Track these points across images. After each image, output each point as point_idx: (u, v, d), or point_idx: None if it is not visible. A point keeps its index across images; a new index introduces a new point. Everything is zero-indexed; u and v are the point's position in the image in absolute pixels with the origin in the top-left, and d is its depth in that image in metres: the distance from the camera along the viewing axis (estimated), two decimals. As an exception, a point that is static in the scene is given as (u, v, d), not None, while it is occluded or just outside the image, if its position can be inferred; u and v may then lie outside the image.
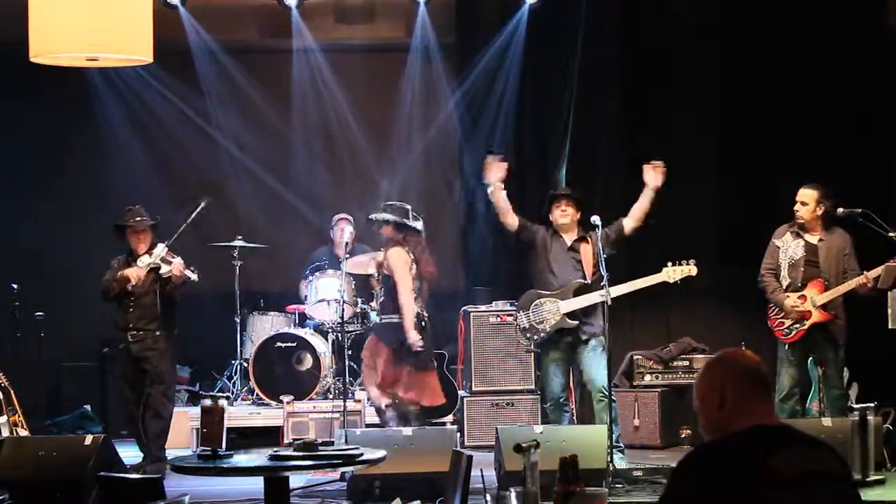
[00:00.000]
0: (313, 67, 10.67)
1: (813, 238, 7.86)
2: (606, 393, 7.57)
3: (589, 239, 7.82)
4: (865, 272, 7.68)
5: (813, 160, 9.09)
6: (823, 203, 7.78)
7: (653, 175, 7.81)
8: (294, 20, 10.39)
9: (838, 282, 7.78)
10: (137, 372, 7.93)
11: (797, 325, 7.79)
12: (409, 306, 7.73)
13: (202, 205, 8.10)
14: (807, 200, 7.81)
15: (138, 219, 7.98)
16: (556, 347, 7.82)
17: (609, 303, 7.44)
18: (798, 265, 7.84)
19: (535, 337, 7.83)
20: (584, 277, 7.76)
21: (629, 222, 7.83)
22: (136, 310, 7.92)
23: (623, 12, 10.01)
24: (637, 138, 9.90)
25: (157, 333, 7.92)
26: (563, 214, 7.83)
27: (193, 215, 8.04)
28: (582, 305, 7.68)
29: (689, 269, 7.67)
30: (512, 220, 7.94)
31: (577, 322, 7.69)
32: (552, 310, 7.75)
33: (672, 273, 7.68)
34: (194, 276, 7.97)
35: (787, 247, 7.90)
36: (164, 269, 7.92)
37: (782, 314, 7.84)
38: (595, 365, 7.63)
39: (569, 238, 7.85)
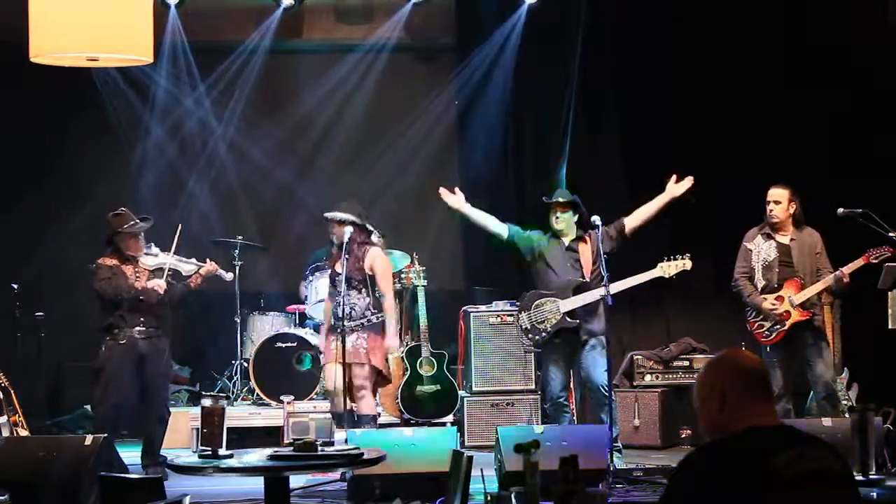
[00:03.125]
0: (313, 67, 10.67)
1: (784, 238, 7.92)
2: (605, 393, 7.58)
3: (588, 238, 7.84)
4: (842, 268, 7.74)
5: (813, 160, 9.10)
6: (794, 201, 7.86)
7: (676, 186, 7.81)
8: (273, 20, 10.39)
9: (813, 280, 7.84)
10: (135, 371, 7.68)
11: (777, 327, 7.83)
12: (395, 311, 8.07)
13: (179, 229, 7.90)
14: (780, 199, 7.89)
15: (132, 223, 7.75)
16: (557, 347, 7.84)
17: (610, 302, 7.45)
18: (772, 266, 7.89)
19: (537, 337, 7.84)
20: (583, 277, 7.78)
21: (630, 221, 7.84)
22: (148, 309, 7.71)
23: (623, 12, 10.01)
24: (637, 138, 9.90)
25: (161, 334, 7.79)
26: (558, 221, 7.89)
27: (175, 242, 7.82)
28: (581, 304, 7.70)
29: (684, 262, 7.71)
30: (499, 228, 7.95)
31: (577, 321, 7.71)
32: (553, 309, 7.77)
33: (667, 268, 7.72)
34: (228, 276, 7.98)
35: (760, 249, 7.96)
36: (188, 268, 7.84)
37: (761, 317, 7.88)
38: (595, 365, 7.65)
39: (566, 239, 7.89)
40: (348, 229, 7.91)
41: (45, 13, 6.39)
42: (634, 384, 9.35)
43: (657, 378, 9.36)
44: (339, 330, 7.66)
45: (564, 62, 10.12)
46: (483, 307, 9.30)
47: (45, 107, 10.02)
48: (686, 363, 9.38)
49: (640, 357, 9.40)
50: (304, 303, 9.73)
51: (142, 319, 7.71)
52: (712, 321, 9.59)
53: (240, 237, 9.80)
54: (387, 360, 8.09)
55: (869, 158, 9.19)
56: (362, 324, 7.82)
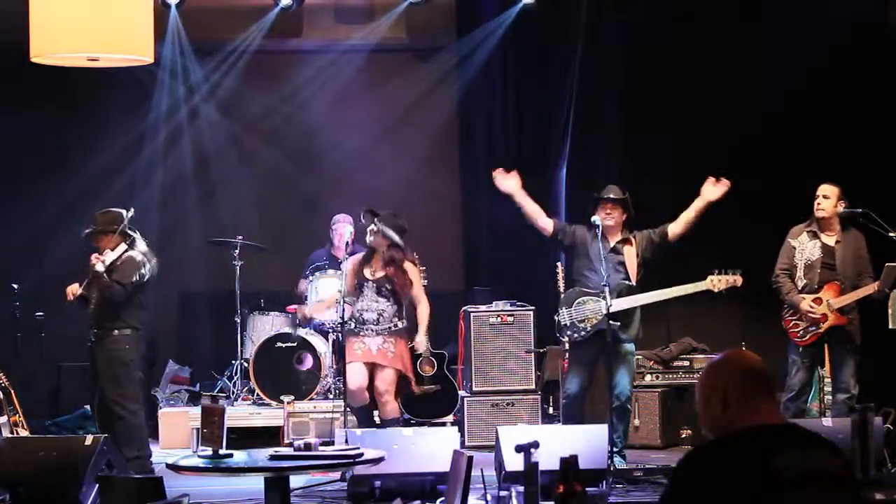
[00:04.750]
0: (312, 67, 10.67)
1: (830, 240, 7.83)
2: (625, 401, 7.63)
3: (633, 241, 7.78)
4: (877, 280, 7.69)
5: (814, 160, 9.09)
6: (844, 201, 7.78)
7: (712, 189, 7.76)
8: (269, 19, 10.37)
9: (854, 285, 7.75)
10: (94, 372, 7.73)
11: (813, 328, 7.76)
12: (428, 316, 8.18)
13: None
14: (829, 195, 7.78)
15: (87, 230, 7.76)
16: (589, 348, 7.78)
17: (611, 307, 7.42)
18: (815, 266, 7.80)
19: (576, 335, 7.78)
20: (628, 279, 7.71)
21: (674, 228, 7.76)
22: (94, 308, 7.71)
23: (623, 12, 10.01)
24: (637, 138, 9.90)
25: (115, 333, 7.66)
26: (608, 216, 7.73)
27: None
28: (625, 307, 7.58)
29: (735, 279, 7.60)
30: (545, 223, 7.87)
31: (618, 324, 7.56)
32: (595, 309, 7.68)
33: (717, 282, 7.60)
34: (98, 266, 7.60)
35: (804, 247, 7.86)
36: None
37: (797, 316, 7.81)
38: (622, 371, 7.63)
39: (612, 239, 7.74)
40: (349, 228, 7.97)
41: (45, 13, 6.40)
42: (634, 384, 9.33)
43: (657, 378, 9.36)
44: (357, 331, 7.87)
45: (564, 62, 10.11)
46: (483, 307, 9.29)
47: (45, 107, 10.02)
48: (686, 363, 9.38)
49: (640, 357, 9.38)
50: (304, 302, 9.73)
51: (91, 322, 7.74)
52: (712, 321, 9.59)
53: (240, 237, 9.80)
54: (413, 365, 8.27)
55: (869, 158, 9.18)
56: (389, 328, 7.90)
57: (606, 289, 7.42)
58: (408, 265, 8.06)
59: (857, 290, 7.71)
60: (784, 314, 7.89)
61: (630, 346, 7.75)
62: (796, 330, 7.81)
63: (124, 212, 7.80)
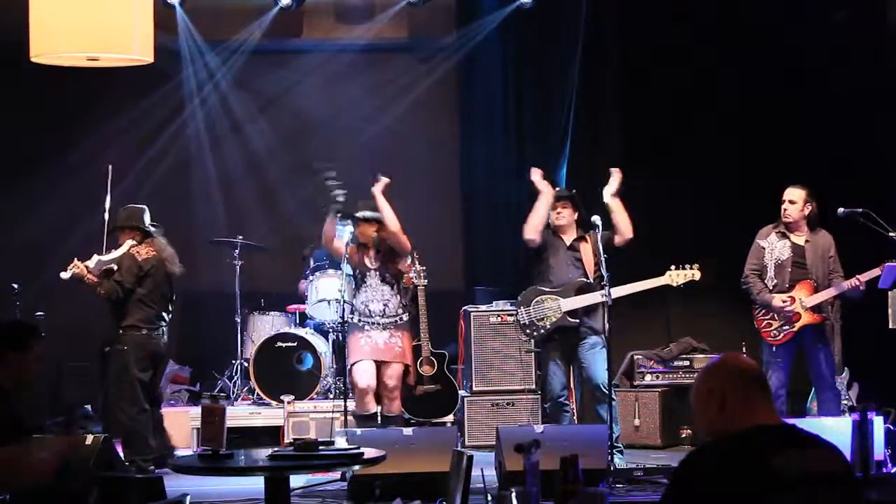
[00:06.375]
0: (312, 67, 10.67)
1: (799, 239, 7.86)
2: (606, 391, 7.58)
3: (588, 238, 7.83)
4: (858, 276, 7.69)
5: (813, 160, 9.09)
6: (810, 203, 7.81)
7: (608, 186, 7.79)
8: (268, 18, 10.37)
9: (825, 283, 7.78)
10: (102, 373, 7.85)
11: (786, 327, 7.78)
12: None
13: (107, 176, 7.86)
14: (795, 199, 7.83)
15: (111, 228, 7.83)
16: (557, 346, 7.84)
17: (610, 303, 7.45)
18: (785, 266, 7.84)
19: (535, 334, 7.85)
20: (586, 276, 7.79)
21: (617, 238, 7.79)
22: (109, 312, 7.80)
23: (623, 11, 10.01)
24: (637, 138, 9.90)
25: (119, 332, 7.72)
26: (559, 216, 7.88)
27: (107, 214, 7.82)
28: (583, 304, 7.70)
29: (693, 273, 7.70)
30: (536, 235, 7.89)
31: (577, 321, 7.72)
32: (553, 307, 7.76)
33: (675, 277, 7.71)
34: (62, 275, 7.67)
35: (773, 247, 7.90)
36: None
37: (770, 315, 7.83)
38: (595, 363, 7.65)
39: (568, 238, 7.90)
40: (349, 228, 7.95)
41: (45, 13, 6.40)
42: (634, 384, 9.35)
43: (657, 378, 9.36)
44: (361, 325, 7.82)
45: (565, 61, 10.11)
46: (483, 307, 9.29)
47: (46, 107, 10.02)
48: (686, 363, 9.38)
49: (640, 357, 9.40)
50: (304, 302, 9.73)
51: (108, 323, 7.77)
52: (712, 321, 9.59)
53: (240, 237, 9.81)
54: (414, 363, 8.25)
55: (868, 158, 9.18)
56: (395, 321, 7.86)
57: (608, 287, 7.45)
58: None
59: (829, 289, 7.73)
60: (756, 314, 7.91)
61: (596, 338, 7.74)
62: (769, 329, 7.83)
63: (144, 208, 7.86)
